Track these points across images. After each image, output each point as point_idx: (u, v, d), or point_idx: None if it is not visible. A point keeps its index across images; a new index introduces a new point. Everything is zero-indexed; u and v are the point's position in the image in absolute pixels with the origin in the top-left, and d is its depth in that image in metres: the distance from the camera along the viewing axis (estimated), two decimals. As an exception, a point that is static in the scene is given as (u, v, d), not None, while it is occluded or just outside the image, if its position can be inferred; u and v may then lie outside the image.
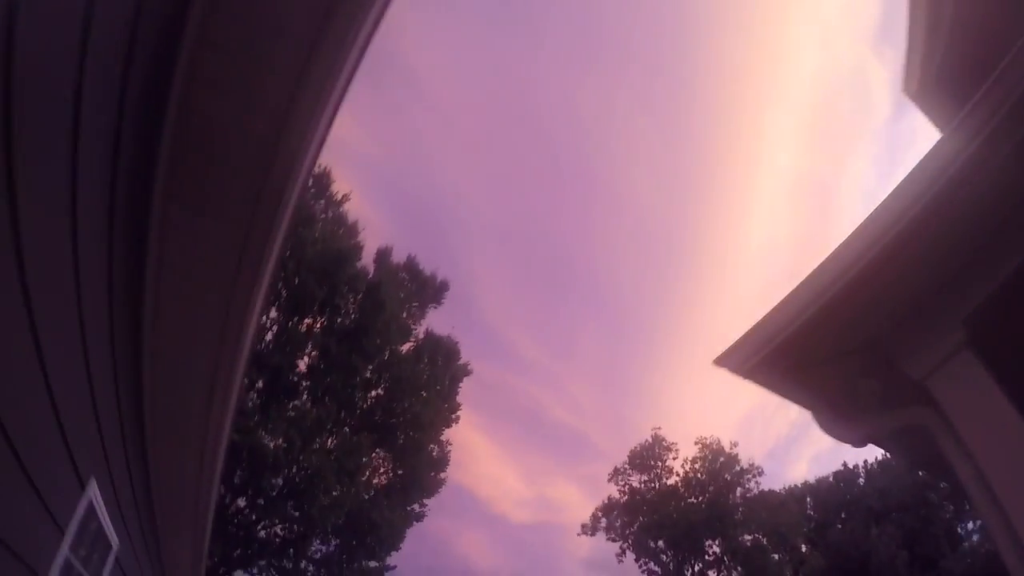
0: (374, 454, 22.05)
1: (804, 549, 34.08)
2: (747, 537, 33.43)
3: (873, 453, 38.07)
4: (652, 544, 33.92)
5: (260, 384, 17.86)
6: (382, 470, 22.43)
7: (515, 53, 52.28)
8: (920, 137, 60.74)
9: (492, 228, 59.31)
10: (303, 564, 20.09)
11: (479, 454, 56.76)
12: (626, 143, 59.42)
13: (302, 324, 19.36)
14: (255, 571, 19.01)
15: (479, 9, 49.32)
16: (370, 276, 19.92)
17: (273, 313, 18.27)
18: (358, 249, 19.65)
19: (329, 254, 18.19)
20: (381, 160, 48.38)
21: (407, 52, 46.63)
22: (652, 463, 36.32)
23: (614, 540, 35.23)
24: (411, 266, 22.42)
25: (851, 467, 39.76)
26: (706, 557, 33.28)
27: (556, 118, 57.88)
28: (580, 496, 67.96)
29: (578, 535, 36.63)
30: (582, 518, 38.88)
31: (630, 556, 34.59)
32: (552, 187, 62.31)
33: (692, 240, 64.87)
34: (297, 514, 17.95)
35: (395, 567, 21.80)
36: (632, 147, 59.38)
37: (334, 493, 17.78)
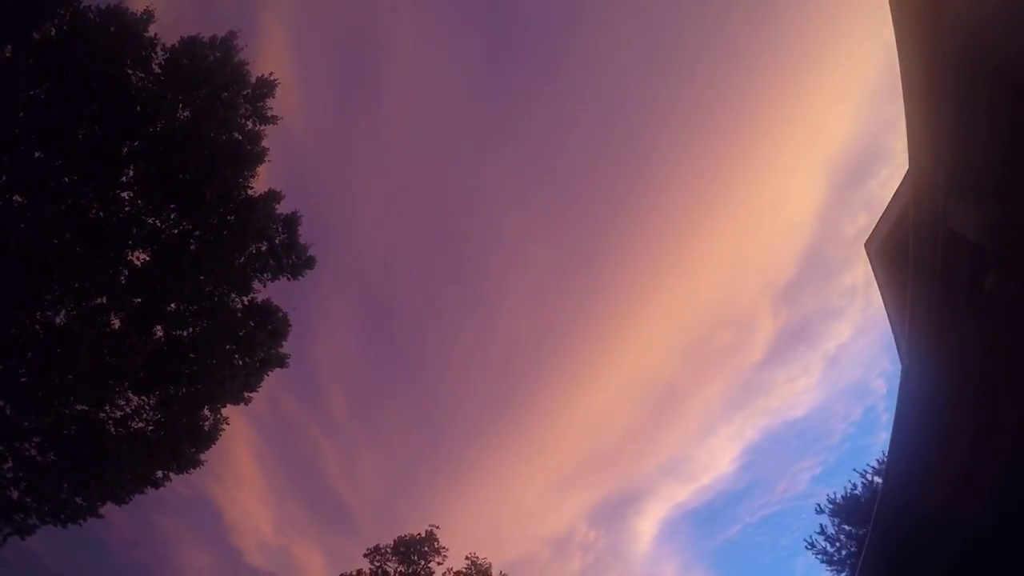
0: (139, 398, 18.83)
1: None
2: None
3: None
4: (382, 638, 30.60)
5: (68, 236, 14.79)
6: (144, 415, 19.01)
7: (480, 134, 53.06)
8: (773, 394, 67.65)
9: (360, 277, 56.95)
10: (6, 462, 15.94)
11: (243, 478, 51.03)
12: (525, 277, 60.84)
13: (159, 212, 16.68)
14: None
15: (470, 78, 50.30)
16: (251, 194, 17.66)
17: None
18: (257, 160, 17.50)
19: (229, 146, 16.06)
20: (305, 151, 45.82)
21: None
22: (415, 558, 33.65)
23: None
24: (291, 222, 20.02)
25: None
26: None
27: (476, 217, 58.44)
28: (321, 566, 62.34)
29: None
30: None
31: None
32: (439, 274, 61.68)
33: (540, 386, 65.53)
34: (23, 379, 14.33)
35: (103, 517, 17.86)
36: (528, 282, 60.82)
37: (71, 378, 14.42)
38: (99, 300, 16.54)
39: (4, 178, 14.33)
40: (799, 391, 67.41)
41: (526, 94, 52.32)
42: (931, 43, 4.62)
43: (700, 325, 66.67)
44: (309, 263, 20.95)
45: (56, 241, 14.06)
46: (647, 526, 73.54)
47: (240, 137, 17.40)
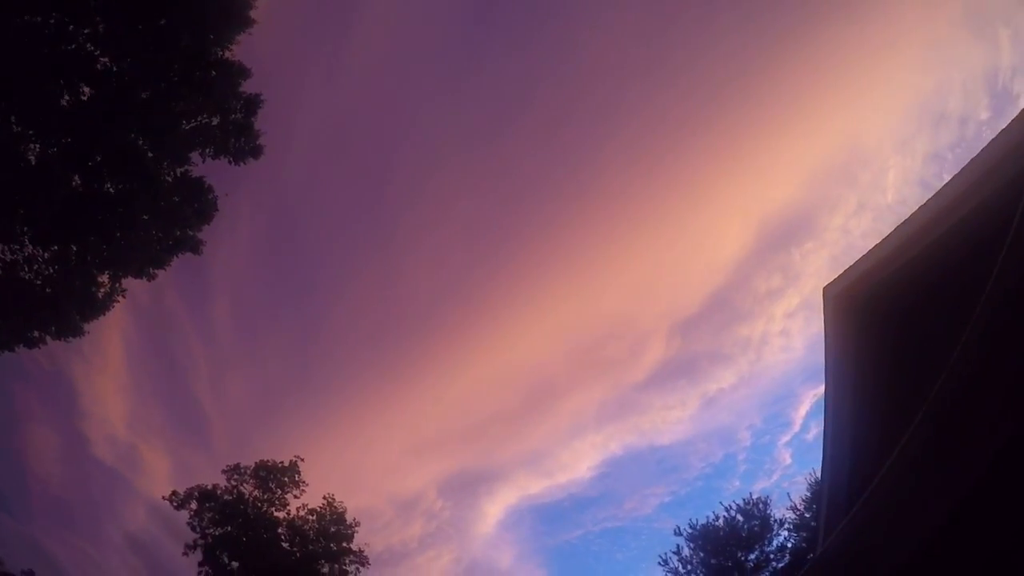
0: (34, 248, 16.70)
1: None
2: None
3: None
4: (226, 561, 29.21)
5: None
6: (35, 267, 16.83)
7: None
8: (645, 416, 69.89)
9: (277, 193, 53.46)
10: None
11: (108, 365, 47.04)
12: (438, 236, 59.78)
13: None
14: None
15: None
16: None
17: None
18: (244, 26, 15.71)
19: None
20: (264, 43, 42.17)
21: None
22: (273, 486, 32.38)
23: (194, 530, 30.08)
24: (251, 103, 17.39)
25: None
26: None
27: (409, 166, 56.50)
28: (167, 473, 59.05)
29: (164, 498, 31.44)
30: (158, 491, 34.32)
31: (197, 557, 29.58)
32: (354, 213, 59.19)
33: (423, 347, 64.80)
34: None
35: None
36: (439, 242, 59.89)
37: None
38: (18, 129, 14.38)
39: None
40: (670, 420, 70.19)
41: (497, 65, 51.26)
42: None
43: (594, 331, 68.03)
44: (255, 152, 19.19)
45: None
46: (494, 509, 74.68)
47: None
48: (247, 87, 17.68)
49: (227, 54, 15.95)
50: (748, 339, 63.97)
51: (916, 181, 49.15)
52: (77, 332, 18.08)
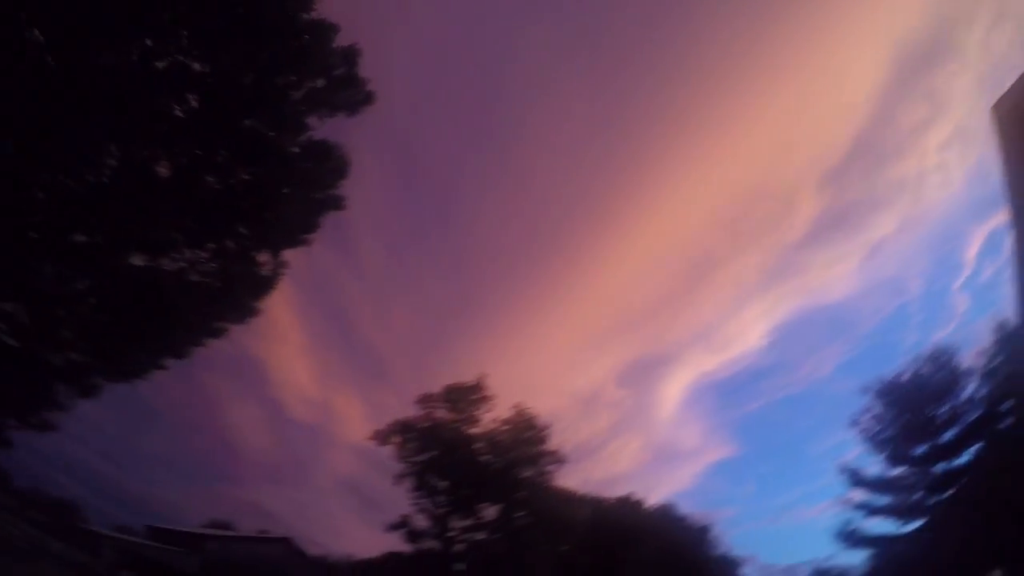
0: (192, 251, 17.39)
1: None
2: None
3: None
4: (435, 483, 31.73)
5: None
6: (199, 267, 17.65)
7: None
8: (809, 275, 63.39)
9: (400, 121, 53.10)
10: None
11: (282, 332, 50.82)
12: (573, 127, 57.39)
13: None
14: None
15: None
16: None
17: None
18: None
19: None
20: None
21: None
22: (463, 406, 34.00)
23: (401, 461, 32.81)
24: (350, 55, 17.42)
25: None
26: (478, 518, 31.98)
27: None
28: (362, 416, 64.44)
29: (367, 439, 34.07)
30: (357, 435, 37.06)
31: (407, 485, 32.49)
32: (483, 118, 57.89)
33: (577, 237, 63.98)
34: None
35: (168, 369, 17.32)
36: (575, 133, 57.83)
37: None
38: (145, 152, 14.73)
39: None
40: (834, 276, 64.53)
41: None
42: None
43: (738, 196, 63.07)
44: (367, 99, 18.69)
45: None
46: (672, 391, 74.37)
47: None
48: (339, 40, 17.04)
49: (313, 15, 15.18)
50: (902, 180, 56.62)
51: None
52: (253, 313, 19.20)
